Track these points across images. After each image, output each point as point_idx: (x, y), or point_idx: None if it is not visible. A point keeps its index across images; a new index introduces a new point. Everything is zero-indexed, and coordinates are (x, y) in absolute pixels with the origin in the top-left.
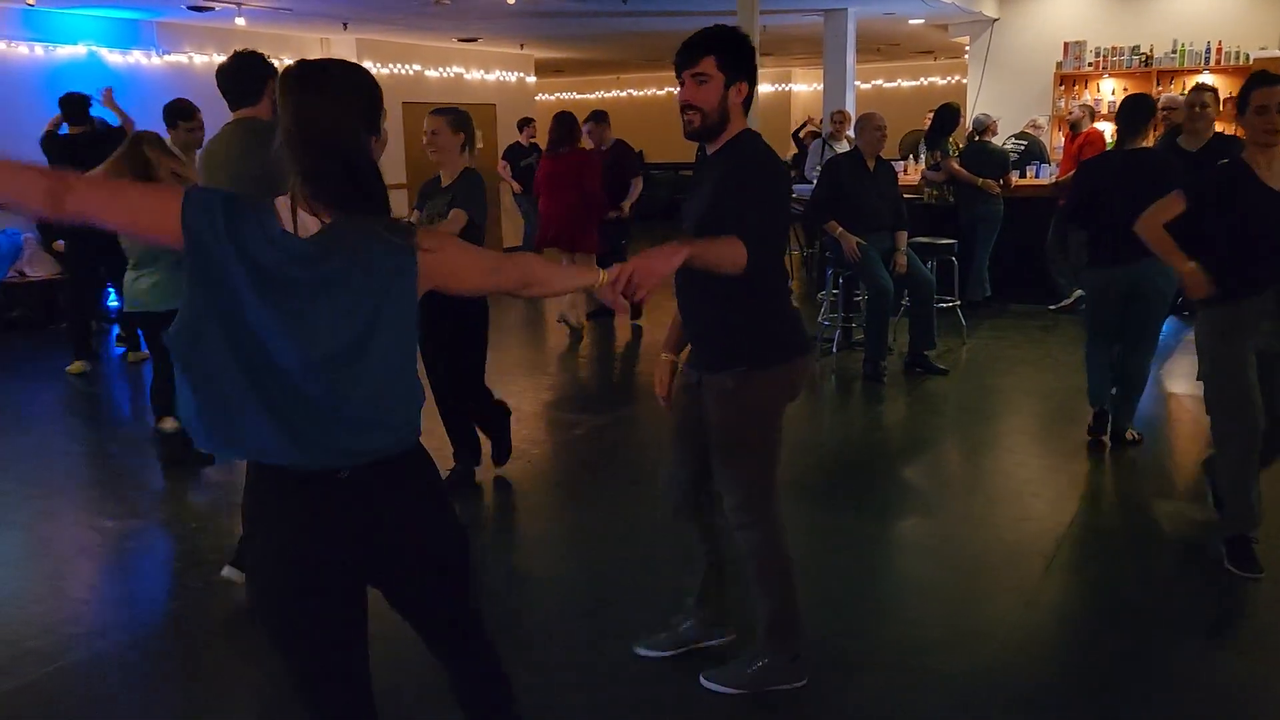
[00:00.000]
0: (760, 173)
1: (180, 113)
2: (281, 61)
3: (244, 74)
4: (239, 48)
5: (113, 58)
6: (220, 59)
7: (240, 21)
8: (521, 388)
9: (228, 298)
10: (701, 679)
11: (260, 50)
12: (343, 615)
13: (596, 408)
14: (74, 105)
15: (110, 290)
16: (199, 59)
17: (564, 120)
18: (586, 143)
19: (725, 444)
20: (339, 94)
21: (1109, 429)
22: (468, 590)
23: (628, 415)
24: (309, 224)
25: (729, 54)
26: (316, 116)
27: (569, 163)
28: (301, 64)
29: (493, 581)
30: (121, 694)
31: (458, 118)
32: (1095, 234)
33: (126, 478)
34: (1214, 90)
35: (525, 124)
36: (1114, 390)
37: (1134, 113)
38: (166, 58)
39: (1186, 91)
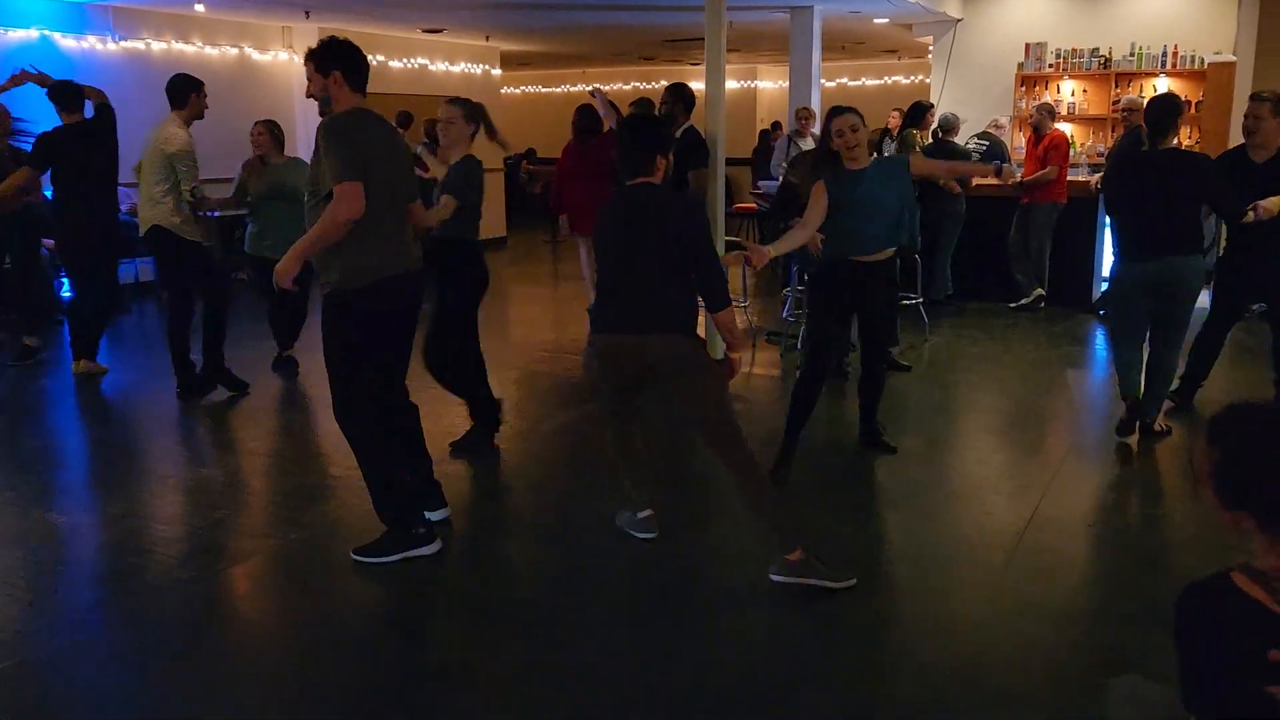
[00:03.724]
0: None
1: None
2: (242, 50)
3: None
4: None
5: (66, 43)
6: (179, 46)
7: (200, 8)
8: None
9: None
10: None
11: (220, 39)
12: None
13: (563, 402)
14: (68, 95)
15: (62, 281)
16: (157, 45)
17: (588, 111)
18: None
19: None
20: None
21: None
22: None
23: (594, 410)
24: None
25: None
26: None
27: (596, 150)
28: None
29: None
30: (74, 693)
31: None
32: (1124, 229)
33: (79, 472)
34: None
35: (406, 121)
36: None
37: (1162, 115)
38: (123, 44)
39: (1144, 94)
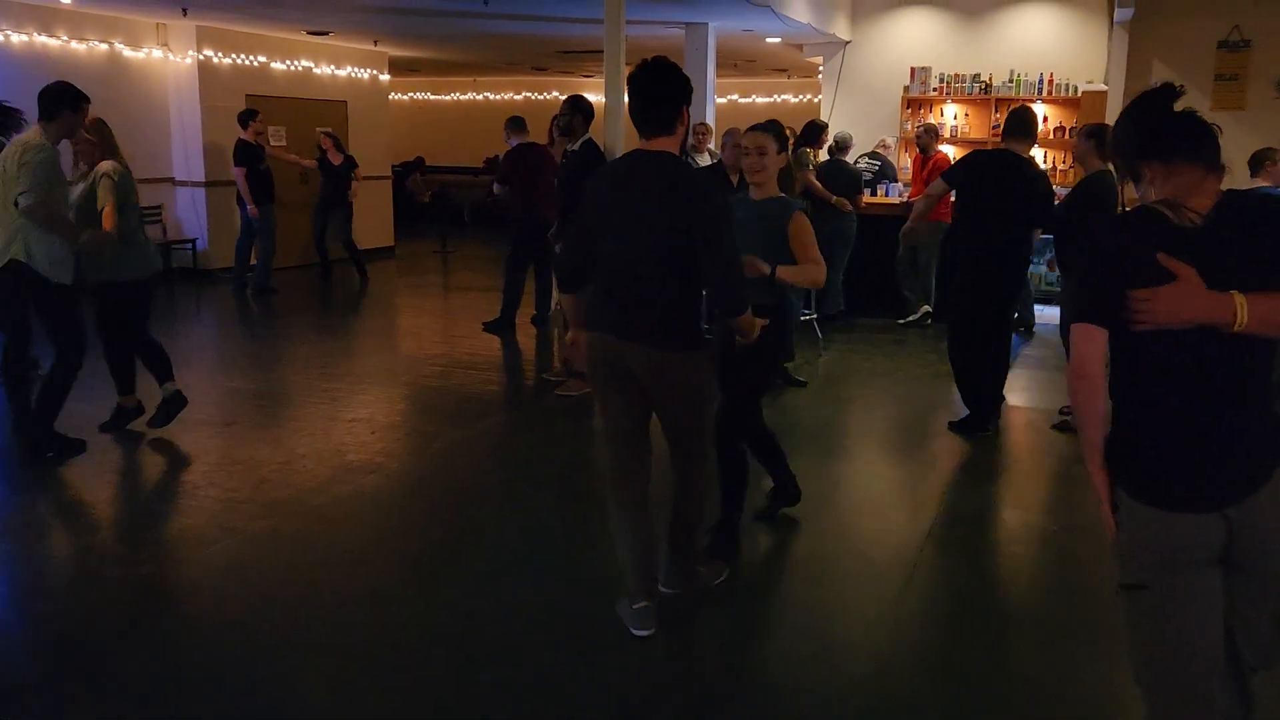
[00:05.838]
0: None
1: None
2: (113, 46)
3: None
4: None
5: None
6: (43, 39)
7: (66, 1)
8: (375, 397)
9: None
10: None
11: (88, 34)
12: None
13: (457, 419)
14: None
15: None
16: (17, 38)
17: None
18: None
19: None
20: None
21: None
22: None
23: (489, 428)
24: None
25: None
26: None
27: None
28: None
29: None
30: None
31: None
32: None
33: None
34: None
35: (251, 117)
36: None
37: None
38: None
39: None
